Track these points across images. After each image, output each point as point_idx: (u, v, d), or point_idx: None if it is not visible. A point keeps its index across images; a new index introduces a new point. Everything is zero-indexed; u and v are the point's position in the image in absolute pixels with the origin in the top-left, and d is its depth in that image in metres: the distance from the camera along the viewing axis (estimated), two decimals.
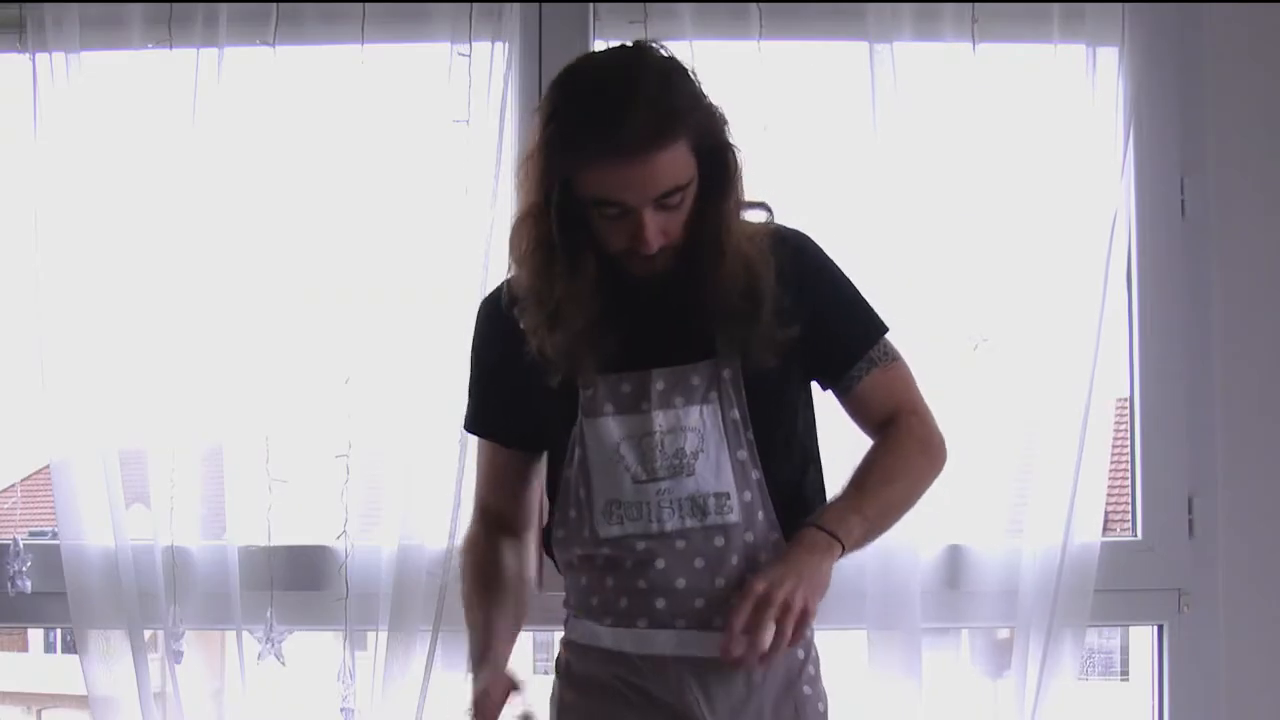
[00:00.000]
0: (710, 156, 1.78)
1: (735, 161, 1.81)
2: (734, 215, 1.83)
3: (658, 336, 1.86)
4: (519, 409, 1.95)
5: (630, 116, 1.69)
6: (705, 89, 1.79)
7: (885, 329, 1.98)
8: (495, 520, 2.04)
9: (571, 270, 1.81)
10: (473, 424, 2.05)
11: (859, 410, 1.97)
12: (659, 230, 1.76)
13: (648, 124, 1.70)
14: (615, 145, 1.70)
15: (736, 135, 1.81)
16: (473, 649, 1.90)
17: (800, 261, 1.91)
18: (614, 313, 1.84)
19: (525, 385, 1.90)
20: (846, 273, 1.97)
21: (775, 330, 1.83)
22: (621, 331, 1.85)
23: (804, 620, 1.72)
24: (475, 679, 1.85)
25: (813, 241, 1.96)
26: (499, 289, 1.99)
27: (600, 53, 1.93)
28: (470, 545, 2.02)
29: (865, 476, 1.89)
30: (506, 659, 1.90)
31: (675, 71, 1.77)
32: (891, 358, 1.97)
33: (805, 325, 1.86)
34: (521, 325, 1.86)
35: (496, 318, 1.96)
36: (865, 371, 1.94)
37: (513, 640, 1.96)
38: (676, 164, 1.74)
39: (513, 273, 1.91)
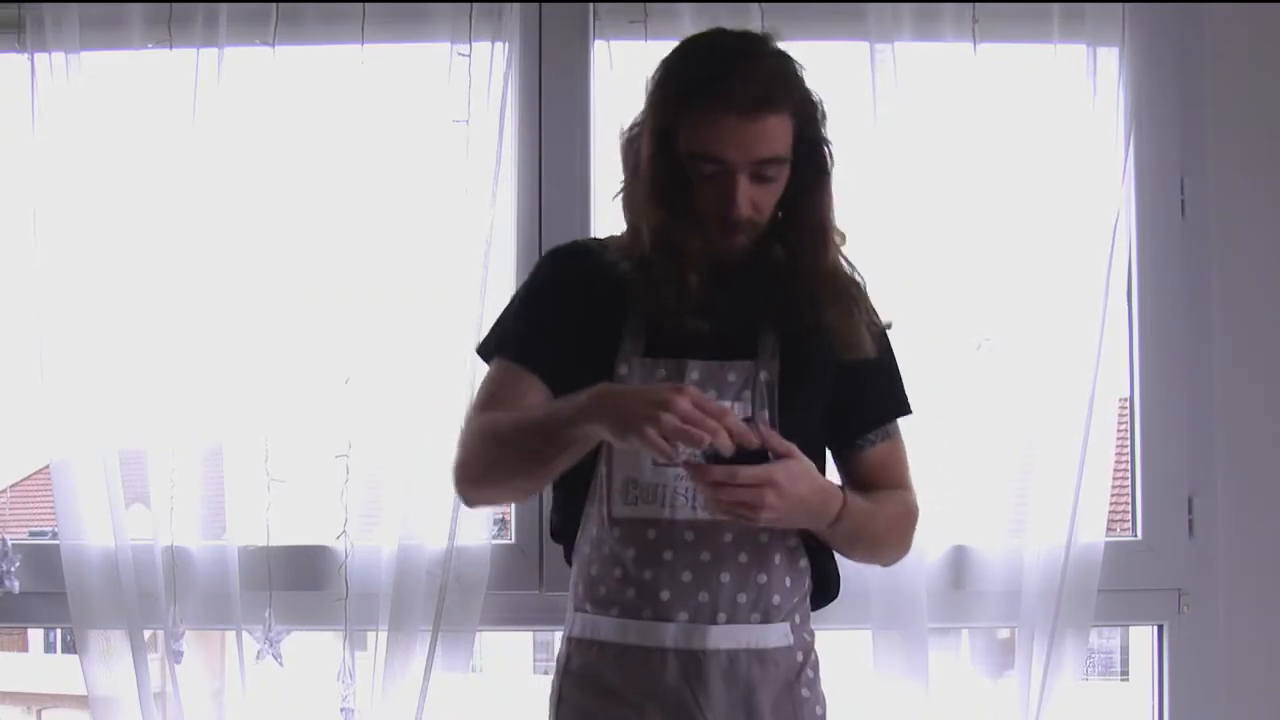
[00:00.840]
0: (809, 145, 1.84)
1: (831, 155, 1.87)
2: (830, 206, 1.89)
3: (701, 330, 1.86)
4: (562, 348, 1.90)
5: (747, 75, 1.77)
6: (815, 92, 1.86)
7: (910, 410, 2.03)
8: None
9: (690, 216, 1.83)
10: (512, 351, 1.93)
11: (855, 473, 1.99)
12: (749, 199, 1.80)
13: (762, 85, 1.78)
14: (727, 98, 1.76)
15: (832, 133, 1.87)
16: (567, 404, 1.76)
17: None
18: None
19: (578, 334, 1.90)
20: (892, 341, 2.02)
21: (868, 324, 1.88)
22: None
23: (744, 517, 1.74)
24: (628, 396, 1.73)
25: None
26: (574, 243, 2.01)
27: (722, 29, 1.94)
28: (490, 415, 1.89)
29: (880, 506, 1.93)
30: None
31: (791, 58, 1.85)
32: (897, 433, 2.02)
33: (844, 372, 1.91)
34: (643, 284, 1.85)
35: (574, 264, 1.95)
36: (877, 440, 1.99)
37: None
38: (779, 133, 1.80)
39: (628, 233, 1.91)
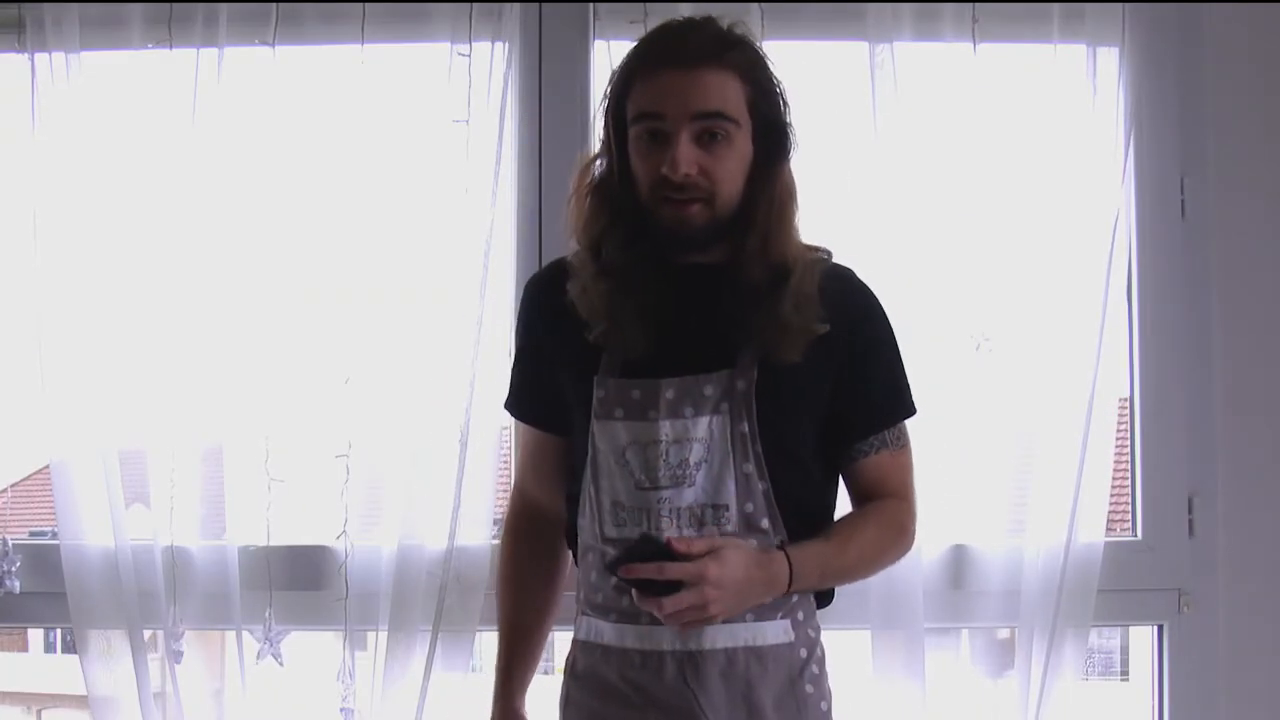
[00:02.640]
0: (766, 124, 1.82)
1: (790, 141, 1.85)
2: (787, 192, 1.86)
3: (675, 346, 1.86)
4: (553, 389, 1.96)
5: (690, 35, 1.81)
6: (775, 73, 1.86)
7: (913, 412, 1.99)
8: (533, 508, 2.08)
9: (615, 210, 1.84)
10: (510, 406, 2.08)
11: (852, 480, 1.97)
12: (692, 158, 1.77)
13: (703, 42, 1.78)
14: (667, 53, 1.80)
15: (795, 121, 1.87)
16: (497, 664, 2.05)
17: (859, 312, 1.93)
18: (651, 301, 1.85)
19: (557, 366, 1.94)
20: (898, 343, 1.98)
21: (796, 320, 1.83)
22: (652, 325, 1.85)
23: (697, 619, 1.75)
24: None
25: (878, 300, 1.97)
26: (548, 266, 2.04)
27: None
28: (508, 543, 2.11)
29: (846, 541, 1.91)
30: (523, 686, 2.07)
31: (750, 39, 1.85)
32: (903, 443, 1.98)
33: (840, 377, 1.89)
34: (571, 288, 1.89)
35: (537, 298, 2.00)
36: (874, 450, 1.95)
37: (538, 647, 2.05)
38: (722, 89, 1.78)
39: (569, 225, 1.93)
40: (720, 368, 1.85)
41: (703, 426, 1.84)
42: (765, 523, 1.85)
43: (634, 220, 1.84)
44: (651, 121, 1.79)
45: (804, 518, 1.88)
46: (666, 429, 1.84)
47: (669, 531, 1.83)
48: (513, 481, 2.15)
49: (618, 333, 1.85)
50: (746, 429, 1.84)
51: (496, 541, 2.40)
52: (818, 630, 1.93)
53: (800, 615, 1.90)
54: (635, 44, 1.88)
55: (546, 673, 2.17)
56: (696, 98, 1.77)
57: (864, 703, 2.34)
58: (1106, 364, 2.35)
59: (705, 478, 1.84)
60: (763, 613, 1.86)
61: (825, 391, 1.90)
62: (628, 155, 1.84)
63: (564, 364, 1.93)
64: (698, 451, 1.84)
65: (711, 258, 1.87)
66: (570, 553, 2.02)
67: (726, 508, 1.84)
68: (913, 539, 2.02)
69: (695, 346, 1.86)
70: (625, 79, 1.84)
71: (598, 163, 1.90)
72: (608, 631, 1.89)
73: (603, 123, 1.89)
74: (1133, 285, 2.47)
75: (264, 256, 2.42)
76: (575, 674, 1.93)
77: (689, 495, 1.83)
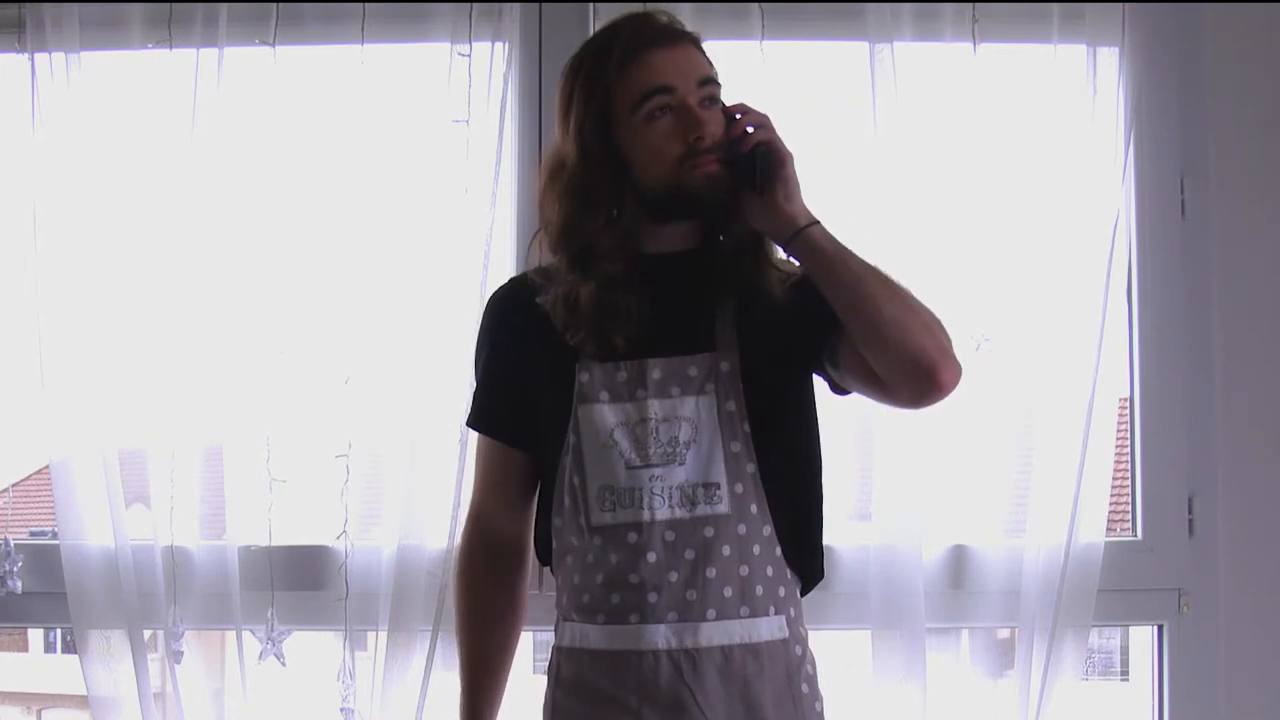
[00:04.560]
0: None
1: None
2: None
3: (659, 329, 1.87)
4: (523, 403, 1.96)
5: (654, 20, 1.89)
6: None
7: None
8: (492, 537, 2.04)
9: (608, 212, 1.86)
10: (477, 421, 2.04)
11: (856, 366, 1.85)
12: (710, 119, 1.84)
13: (665, 23, 1.89)
14: (645, 39, 1.85)
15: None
16: (462, 705, 2.04)
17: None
18: (642, 299, 1.87)
19: (527, 377, 1.94)
20: None
21: (775, 268, 1.90)
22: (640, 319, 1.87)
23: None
24: None
25: None
26: (507, 281, 2.06)
27: None
28: (465, 579, 2.06)
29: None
30: None
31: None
32: None
33: (793, 312, 1.89)
34: (545, 299, 1.89)
35: (498, 311, 2.01)
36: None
37: (503, 683, 2.06)
38: (701, 58, 1.88)
39: (544, 235, 1.94)
40: (702, 350, 1.89)
41: (689, 406, 1.86)
42: (754, 508, 1.86)
43: (623, 220, 1.86)
44: (662, 96, 1.83)
45: (792, 506, 1.89)
46: (656, 407, 1.86)
47: (662, 512, 1.84)
48: (469, 509, 2.09)
49: (607, 332, 1.86)
50: (734, 407, 1.87)
51: None
52: (807, 633, 1.94)
53: (792, 612, 1.90)
54: (589, 52, 1.90)
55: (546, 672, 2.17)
56: (694, 65, 1.86)
57: (864, 703, 2.34)
58: (1106, 364, 2.35)
59: (695, 457, 1.85)
60: (757, 608, 1.86)
61: (795, 345, 1.90)
62: (612, 153, 1.85)
63: (537, 363, 1.93)
64: (686, 431, 1.85)
65: (683, 245, 1.91)
66: (524, 599, 2.08)
67: (717, 486, 1.85)
68: (945, 337, 1.86)
69: (676, 331, 1.88)
70: (601, 78, 1.85)
71: (564, 169, 1.89)
72: (594, 635, 1.88)
73: (574, 131, 1.87)
74: (1133, 285, 2.48)
75: (264, 256, 2.42)
76: (560, 681, 1.92)
77: (680, 474, 1.84)
